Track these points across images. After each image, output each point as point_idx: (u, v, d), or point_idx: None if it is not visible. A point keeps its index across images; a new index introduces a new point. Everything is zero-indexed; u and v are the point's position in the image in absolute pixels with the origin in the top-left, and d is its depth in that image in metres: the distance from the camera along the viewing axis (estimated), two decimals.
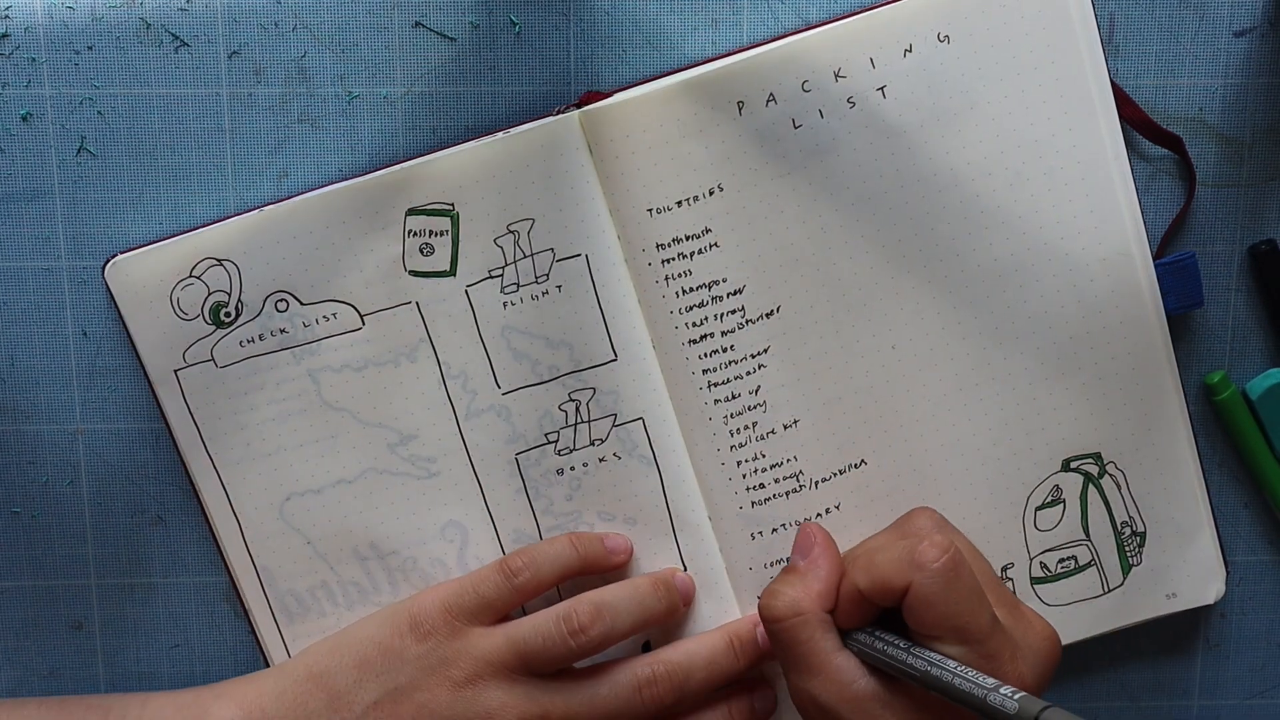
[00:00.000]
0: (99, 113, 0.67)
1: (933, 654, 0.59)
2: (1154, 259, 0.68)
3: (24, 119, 0.67)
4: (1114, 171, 0.67)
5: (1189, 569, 0.71)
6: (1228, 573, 0.71)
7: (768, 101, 0.66)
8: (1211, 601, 0.71)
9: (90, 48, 0.67)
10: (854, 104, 0.66)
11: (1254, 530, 0.72)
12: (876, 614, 0.63)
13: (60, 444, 0.70)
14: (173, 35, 0.67)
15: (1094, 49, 0.67)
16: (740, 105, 0.66)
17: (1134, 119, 0.68)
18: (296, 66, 0.67)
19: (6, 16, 0.66)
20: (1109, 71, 0.67)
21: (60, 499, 0.71)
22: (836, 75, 0.66)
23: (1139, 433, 0.69)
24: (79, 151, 0.68)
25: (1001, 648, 0.60)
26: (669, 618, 0.69)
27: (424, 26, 0.67)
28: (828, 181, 0.67)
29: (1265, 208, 0.70)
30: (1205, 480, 0.70)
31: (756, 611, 0.68)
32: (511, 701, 0.65)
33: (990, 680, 0.56)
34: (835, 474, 0.69)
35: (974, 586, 0.60)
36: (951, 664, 0.58)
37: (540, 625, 0.66)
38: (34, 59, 0.67)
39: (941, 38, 0.66)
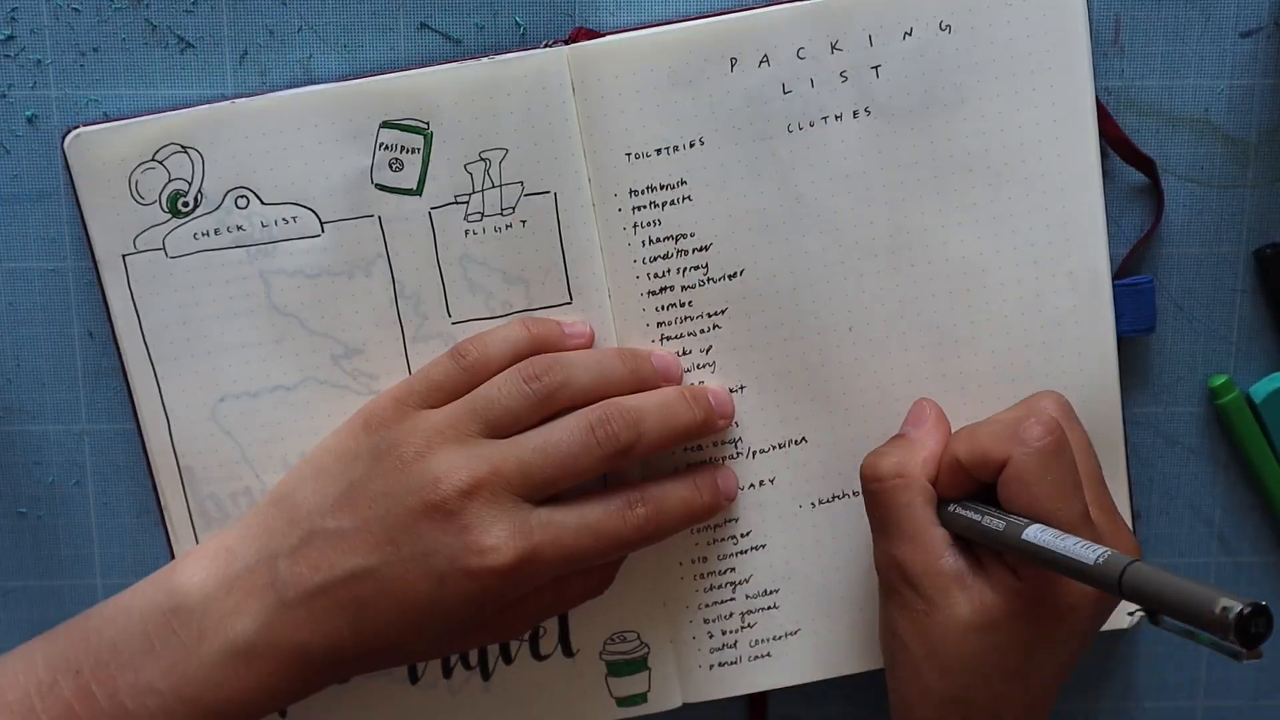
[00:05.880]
0: (104, 114, 0.67)
1: (1020, 518, 0.59)
2: (1113, 279, 0.68)
3: (30, 120, 0.67)
4: (1092, 186, 0.67)
5: None
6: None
7: (761, 62, 0.66)
8: (1124, 627, 0.70)
9: (96, 50, 0.67)
10: (846, 79, 0.66)
11: (1259, 532, 0.72)
12: (974, 490, 0.62)
13: (66, 444, 0.70)
14: (178, 37, 0.67)
15: (1087, 62, 0.66)
16: (733, 62, 0.66)
17: (1113, 137, 0.68)
18: (302, 68, 0.67)
19: (13, 18, 0.66)
20: (1114, 73, 0.67)
21: (66, 499, 0.71)
22: (833, 47, 0.66)
23: None
24: None
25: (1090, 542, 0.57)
26: (702, 430, 0.66)
27: (429, 28, 0.68)
28: (808, 152, 0.66)
29: (1271, 209, 0.70)
30: (1133, 514, 0.70)
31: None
32: (460, 462, 0.62)
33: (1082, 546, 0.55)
34: (774, 447, 0.69)
35: (1072, 476, 0.60)
36: (1036, 527, 0.58)
37: (496, 380, 0.64)
38: (40, 60, 0.67)
39: (943, 26, 0.66)
